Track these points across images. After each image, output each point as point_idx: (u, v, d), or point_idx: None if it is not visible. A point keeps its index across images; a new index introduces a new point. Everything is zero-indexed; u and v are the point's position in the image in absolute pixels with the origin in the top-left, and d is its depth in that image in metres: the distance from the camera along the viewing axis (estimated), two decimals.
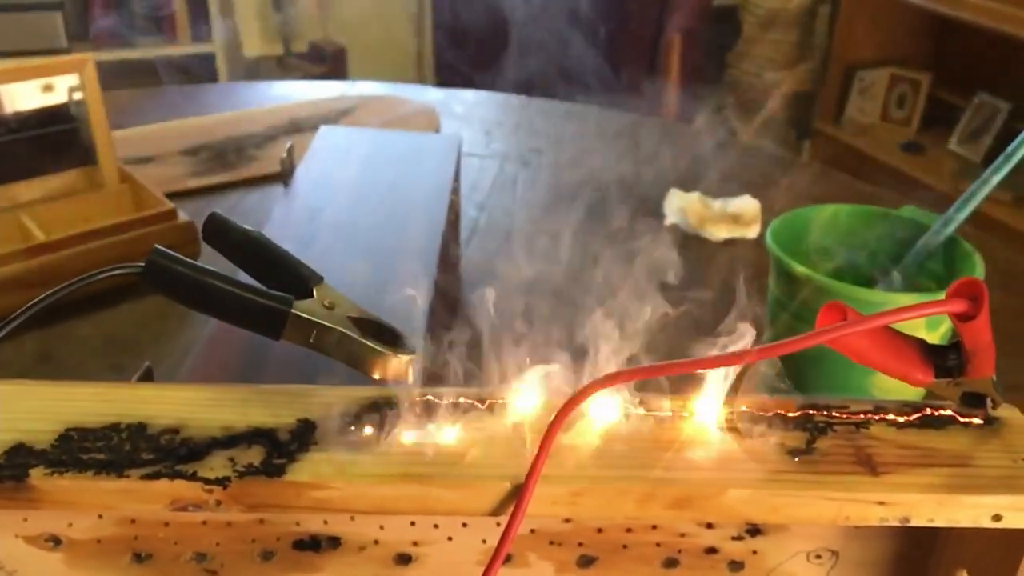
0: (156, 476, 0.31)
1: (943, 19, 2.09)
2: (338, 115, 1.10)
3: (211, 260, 0.38)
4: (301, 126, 1.06)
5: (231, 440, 0.33)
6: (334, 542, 0.39)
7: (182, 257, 0.35)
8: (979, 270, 0.54)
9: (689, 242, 0.87)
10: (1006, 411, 0.36)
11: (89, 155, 0.80)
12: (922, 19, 2.20)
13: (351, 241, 0.61)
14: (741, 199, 0.89)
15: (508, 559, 0.39)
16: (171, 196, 0.80)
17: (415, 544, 0.39)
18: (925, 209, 0.61)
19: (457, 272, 0.77)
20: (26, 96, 0.78)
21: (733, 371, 0.34)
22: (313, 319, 0.34)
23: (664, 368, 0.32)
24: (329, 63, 2.32)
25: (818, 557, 0.40)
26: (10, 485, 0.31)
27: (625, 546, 0.39)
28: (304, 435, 0.33)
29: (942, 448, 0.34)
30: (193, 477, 0.31)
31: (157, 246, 0.35)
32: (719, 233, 0.87)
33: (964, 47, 2.17)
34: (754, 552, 0.39)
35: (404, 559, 0.39)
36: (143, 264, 0.35)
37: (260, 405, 0.35)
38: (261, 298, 0.34)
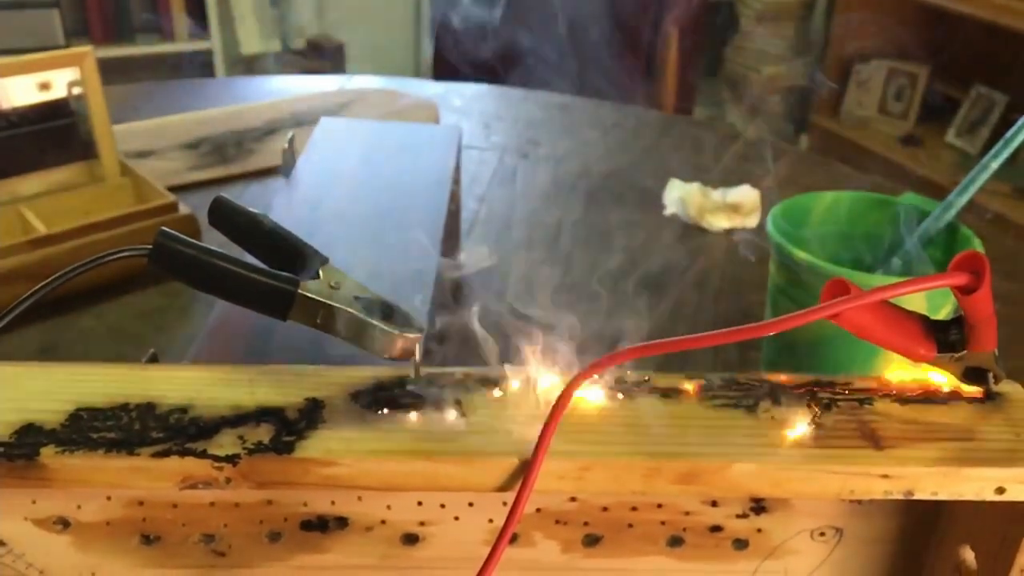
0: (166, 454, 0.31)
1: (940, 12, 2.10)
2: (337, 108, 1.11)
3: (216, 245, 0.38)
4: (301, 120, 1.06)
5: (240, 419, 0.33)
6: (341, 522, 0.39)
7: (189, 239, 0.35)
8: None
9: (689, 232, 0.87)
10: (1008, 386, 0.36)
11: (89, 149, 0.81)
12: (919, 12, 2.20)
13: (353, 231, 0.61)
14: (740, 189, 0.90)
15: (514, 538, 0.40)
16: (172, 189, 0.80)
17: (422, 524, 0.39)
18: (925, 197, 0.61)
19: (458, 263, 0.77)
20: (26, 90, 0.78)
21: None
22: (320, 299, 0.35)
23: (672, 344, 0.32)
24: (327, 59, 2.32)
25: (822, 535, 0.40)
26: (21, 464, 0.31)
27: (630, 525, 0.39)
28: (312, 413, 0.34)
29: (945, 422, 0.35)
30: (203, 455, 0.31)
31: (163, 228, 0.35)
32: (719, 223, 0.87)
33: (961, 40, 2.18)
34: (759, 530, 0.40)
35: (411, 539, 0.39)
36: (150, 246, 0.35)
37: (268, 384, 0.35)
38: (268, 279, 0.35)
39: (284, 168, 0.70)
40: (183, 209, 0.77)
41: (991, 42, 2.07)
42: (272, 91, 1.22)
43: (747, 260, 0.82)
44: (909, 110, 2.31)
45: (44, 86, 0.79)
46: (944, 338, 0.34)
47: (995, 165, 0.55)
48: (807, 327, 0.54)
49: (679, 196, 0.89)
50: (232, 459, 0.31)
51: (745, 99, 2.48)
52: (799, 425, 0.34)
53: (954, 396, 0.36)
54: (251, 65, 2.50)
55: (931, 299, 0.52)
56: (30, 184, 0.79)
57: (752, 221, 0.87)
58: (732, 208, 0.88)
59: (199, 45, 2.49)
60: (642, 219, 0.89)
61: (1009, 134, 0.54)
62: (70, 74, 0.78)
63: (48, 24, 2.27)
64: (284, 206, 0.64)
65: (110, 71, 0.80)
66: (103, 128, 0.80)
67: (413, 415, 0.34)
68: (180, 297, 0.73)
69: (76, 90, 0.79)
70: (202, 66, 2.49)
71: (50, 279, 0.35)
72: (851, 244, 0.62)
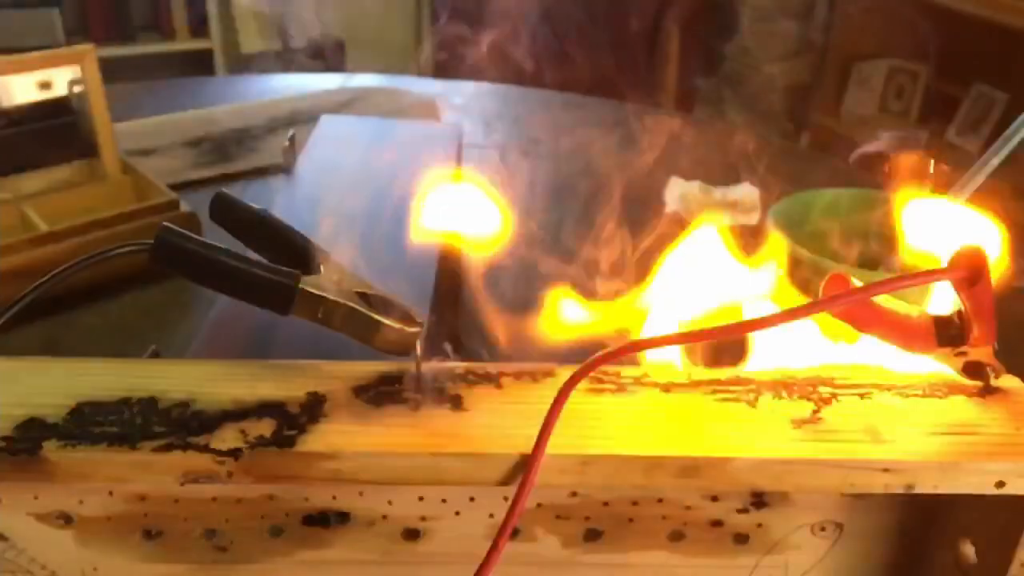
0: (168, 448, 0.31)
1: (941, 10, 2.09)
2: (338, 107, 1.11)
3: (217, 242, 0.39)
4: (301, 118, 1.06)
5: (242, 413, 0.33)
6: (343, 518, 0.39)
7: (191, 234, 0.35)
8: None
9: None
10: (1008, 380, 0.36)
11: (91, 147, 0.81)
12: (920, 10, 2.20)
13: (354, 228, 0.61)
14: (741, 187, 0.90)
15: (515, 533, 0.40)
16: (173, 188, 0.80)
17: (423, 519, 0.39)
18: None
19: (459, 259, 0.77)
20: (28, 88, 0.78)
21: None
22: (321, 294, 0.35)
23: (674, 338, 0.32)
24: (327, 58, 2.32)
25: (822, 530, 0.40)
26: (23, 458, 0.31)
27: (631, 520, 0.39)
28: (314, 408, 0.34)
29: (946, 417, 0.35)
30: (205, 449, 0.31)
31: (165, 223, 0.35)
32: (720, 221, 0.87)
33: (962, 38, 2.18)
34: (759, 525, 0.40)
35: (412, 534, 0.40)
36: (152, 242, 0.35)
37: (270, 379, 0.35)
38: (270, 273, 0.35)
39: (285, 165, 0.70)
40: (184, 207, 0.77)
41: (992, 40, 2.07)
42: (273, 90, 1.22)
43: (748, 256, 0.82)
44: (909, 108, 2.31)
45: (46, 84, 0.79)
46: (944, 332, 0.34)
47: (995, 162, 0.55)
48: None
49: (680, 194, 0.89)
50: (234, 453, 0.31)
51: (746, 97, 2.48)
52: (800, 419, 0.34)
53: (954, 390, 0.36)
54: (251, 64, 2.50)
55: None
56: (31, 182, 0.79)
57: (753, 219, 0.87)
58: (733, 206, 0.88)
59: (199, 44, 2.49)
60: (643, 217, 0.89)
61: (1009, 131, 0.54)
62: (71, 72, 0.78)
63: (49, 23, 2.28)
64: (285, 203, 0.64)
65: (110, 70, 0.81)
66: (104, 126, 0.80)
67: (414, 409, 0.34)
68: (181, 294, 0.73)
69: (77, 88, 0.79)
70: (202, 65, 2.49)
71: (51, 274, 0.35)
72: (851, 240, 0.62)
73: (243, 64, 2.50)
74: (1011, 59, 2.06)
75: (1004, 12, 1.92)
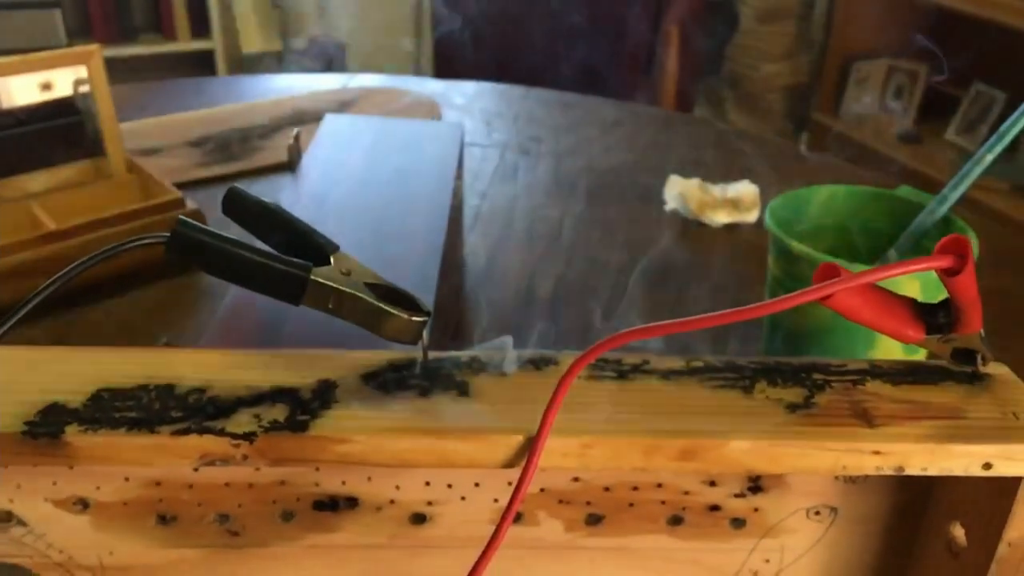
0: (186, 432, 0.33)
1: (939, 10, 2.11)
2: (340, 106, 1.12)
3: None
4: (304, 117, 1.07)
5: (256, 399, 0.34)
6: (352, 502, 0.40)
7: (205, 227, 0.36)
8: (974, 248, 0.56)
9: (689, 227, 0.88)
10: (996, 367, 0.38)
11: (97, 146, 0.82)
12: (918, 10, 2.21)
13: (359, 225, 0.62)
14: (740, 184, 0.91)
15: (519, 517, 0.41)
16: (178, 186, 0.82)
17: (429, 504, 0.40)
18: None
19: (461, 258, 0.78)
20: (34, 89, 0.79)
21: None
22: (332, 284, 0.36)
23: (673, 326, 0.33)
24: (328, 59, 2.34)
25: (817, 513, 0.41)
26: (45, 442, 0.32)
27: (631, 504, 0.41)
28: (326, 394, 0.35)
29: (935, 401, 0.36)
30: (221, 432, 0.33)
31: (181, 216, 0.36)
32: (719, 218, 0.88)
33: (961, 38, 2.19)
34: (755, 509, 0.41)
35: (419, 518, 0.41)
36: (168, 235, 0.36)
37: (283, 367, 0.36)
38: (282, 265, 0.36)
39: (290, 164, 0.71)
40: (190, 205, 0.78)
41: (990, 40, 2.08)
42: (275, 89, 1.23)
43: (747, 254, 0.83)
44: (909, 108, 2.32)
45: (52, 85, 0.80)
46: (932, 320, 0.35)
47: (990, 158, 0.56)
48: (805, 320, 0.56)
49: (679, 192, 0.90)
50: (249, 437, 0.33)
51: (745, 97, 2.50)
52: (794, 404, 0.35)
53: (943, 377, 0.37)
54: (252, 65, 2.52)
55: (926, 291, 0.53)
56: (39, 181, 0.80)
57: (752, 216, 0.89)
58: (732, 203, 0.89)
59: (201, 45, 2.51)
60: (642, 215, 0.91)
61: (1003, 127, 0.55)
62: (77, 72, 0.79)
63: (50, 24, 2.29)
64: (291, 200, 0.65)
65: (112, 71, 0.82)
66: (110, 125, 0.81)
67: (422, 395, 0.35)
68: (187, 292, 0.75)
69: (83, 88, 0.80)
70: (204, 66, 2.50)
71: (69, 267, 0.36)
72: (848, 237, 0.63)
73: (245, 65, 2.52)
74: (1010, 58, 2.08)
75: (1003, 11, 1.93)
